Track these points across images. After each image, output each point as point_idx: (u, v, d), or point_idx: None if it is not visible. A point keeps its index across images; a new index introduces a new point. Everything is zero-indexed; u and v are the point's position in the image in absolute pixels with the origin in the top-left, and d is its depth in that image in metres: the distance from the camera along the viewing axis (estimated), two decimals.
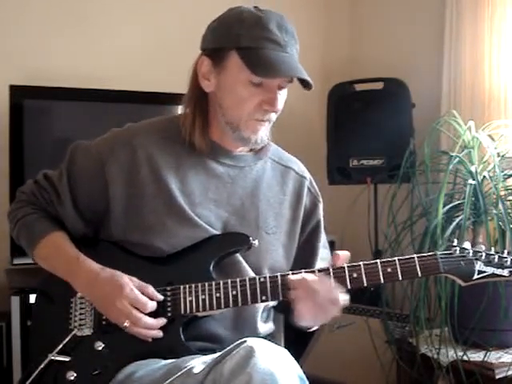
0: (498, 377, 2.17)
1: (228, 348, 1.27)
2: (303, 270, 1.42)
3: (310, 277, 1.40)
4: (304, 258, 1.60)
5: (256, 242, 1.48)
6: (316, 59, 3.41)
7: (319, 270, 1.42)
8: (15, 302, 2.28)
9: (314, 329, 1.56)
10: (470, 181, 2.26)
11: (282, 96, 1.47)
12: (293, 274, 1.42)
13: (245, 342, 1.26)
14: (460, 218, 2.20)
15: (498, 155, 2.34)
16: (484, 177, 2.31)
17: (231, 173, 1.53)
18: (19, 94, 2.59)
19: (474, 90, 2.68)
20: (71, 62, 2.83)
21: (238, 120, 1.45)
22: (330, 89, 3.02)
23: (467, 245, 1.42)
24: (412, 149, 2.54)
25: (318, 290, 1.37)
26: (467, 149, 2.36)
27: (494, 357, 2.22)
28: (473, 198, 2.24)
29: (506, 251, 1.40)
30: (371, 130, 2.87)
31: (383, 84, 2.92)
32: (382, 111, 2.87)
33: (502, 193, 2.29)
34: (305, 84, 1.44)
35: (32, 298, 2.24)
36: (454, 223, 2.20)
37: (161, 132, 1.53)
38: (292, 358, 1.29)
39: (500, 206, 2.19)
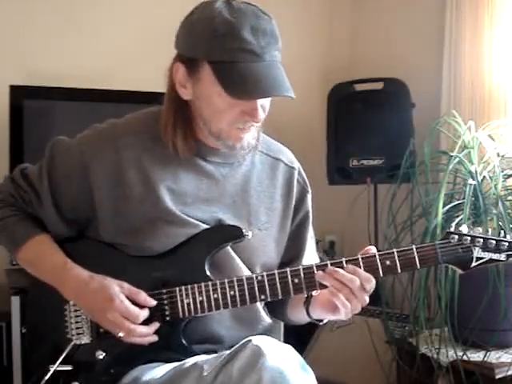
0: (497, 377, 2.17)
1: (233, 348, 1.26)
2: (329, 262, 1.38)
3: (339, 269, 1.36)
4: (292, 249, 1.58)
5: (250, 234, 1.44)
6: (316, 59, 3.41)
7: (347, 260, 1.38)
8: (15, 302, 2.28)
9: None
10: (470, 181, 2.26)
11: (267, 99, 1.40)
12: (317, 267, 1.38)
13: (250, 341, 1.25)
14: (460, 217, 2.19)
15: (498, 155, 2.34)
16: (484, 177, 2.31)
17: (222, 171, 1.49)
18: (19, 94, 2.59)
19: (473, 90, 2.68)
20: (71, 62, 2.83)
21: (219, 130, 1.39)
22: (330, 89, 3.02)
23: (464, 228, 1.38)
24: (412, 149, 2.53)
25: (355, 278, 1.33)
26: (467, 149, 2.36)
27: (494, 357, 2.22)
28: (473, 198, 2.24)
29: (502, 232, 1.37)
30: (371, 130, 2.87)
31: (383, 84, 2.91)
32: (381, 111, 2.87)
33: (502, 193, 2.28)
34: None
35: None
36: (454, 223, 2.19)
37: (147, 131, 1.46)
38: (296, 353, 1.28)
39: (500, 206, 2.19)
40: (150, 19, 2.98)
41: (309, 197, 1.61)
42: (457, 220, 2.20)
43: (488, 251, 1.36)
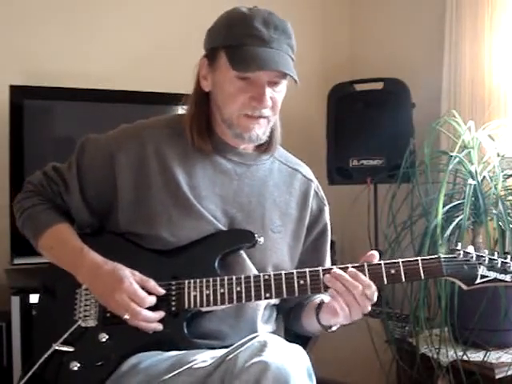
0: (497, 377, 2.18)
1: (240, 342, 1.30)
2: (335, 267, 1.41)
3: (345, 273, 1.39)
4: (312, 261, 1.60)
5: (261, 240, 1.50)
6: (316, 59, 3.41)
7: (353, 266, 1.41)
8: (15, 301, 2.28)
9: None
10: (470, 181, 2.26)
11: (279, 94, 1.48)
12: (323, 270, 1.42)
13: (257, 336, 1.29)
14: (460, 218, 2.19)
15: (498, 155, 2.34)
16: (484, 177, 2.31)
17: (238, 170, 1.56)
18: (19, 94, 2.59)
19: (473, 90, 2.68)
20: (71, 62, 2.83)
21: (231, 117, 1.48)
22: (330, 89, 3.02)
23: (471, 249, 1.42)
24: (412, 149, 2.54)
25: (358, 284, 1.37)
26: (467, 149, 2.36)
27: (494, 357, 2.22)
28: (473, 198, 2.24)
29: (509, 257, 1.41)
30: (371, 130, 2.87)
31: (383, 84, 2.92)
32: (382, 111, 2.87)
33: (502, 193, 2.29)
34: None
35: (32, 298, 2.24)
36: (454, 223, 2.20)
37: (169, 127, 1.56)
38: (303, 353, 1.31)
39: (500, 206, 2.19)
40: (150, 20, 2.98)
41: (326, 210, 1.67)
42: (457, 220, 2.20)
43: (493, 271, 1.40)
